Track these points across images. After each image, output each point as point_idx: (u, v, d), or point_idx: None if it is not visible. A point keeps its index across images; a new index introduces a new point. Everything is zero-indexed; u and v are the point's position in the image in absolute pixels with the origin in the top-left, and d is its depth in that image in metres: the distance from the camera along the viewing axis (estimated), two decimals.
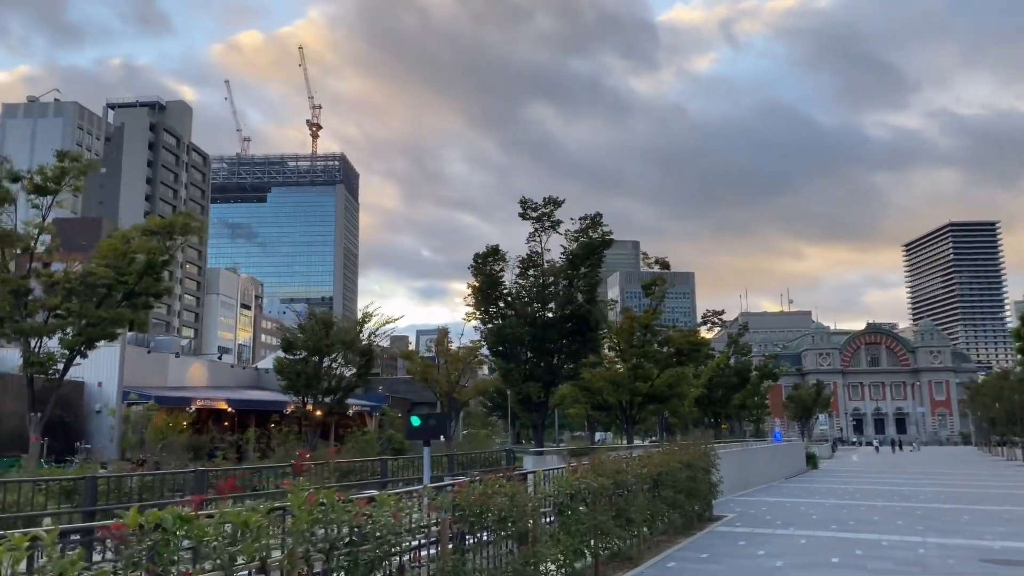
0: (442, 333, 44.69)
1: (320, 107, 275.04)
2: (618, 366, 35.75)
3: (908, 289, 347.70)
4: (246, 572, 5.03)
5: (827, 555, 12.54)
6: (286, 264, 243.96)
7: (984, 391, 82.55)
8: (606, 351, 37.33)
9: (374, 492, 6.68)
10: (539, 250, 31.17)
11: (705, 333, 51.10)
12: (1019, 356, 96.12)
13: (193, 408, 35.02)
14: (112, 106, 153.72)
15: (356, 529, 5.79)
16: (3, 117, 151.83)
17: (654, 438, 58.33)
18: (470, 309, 31.30)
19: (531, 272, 31.26)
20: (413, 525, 6.72)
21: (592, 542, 10.82)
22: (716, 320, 46.51)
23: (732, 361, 54.52)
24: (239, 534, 4.77)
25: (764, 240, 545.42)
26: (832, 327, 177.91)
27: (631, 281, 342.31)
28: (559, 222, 31.01)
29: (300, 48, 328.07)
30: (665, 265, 35.28)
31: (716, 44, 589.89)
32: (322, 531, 5.54)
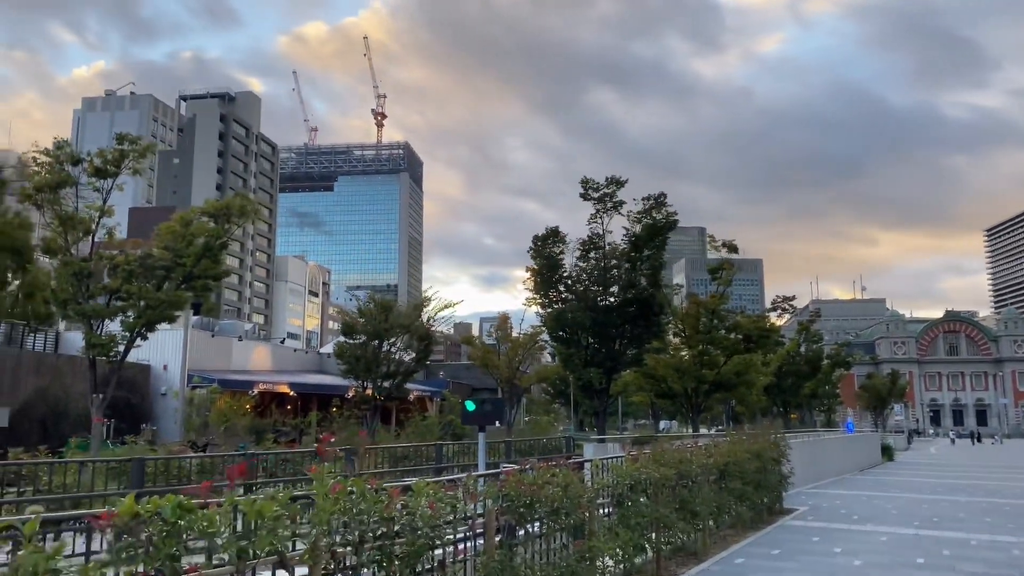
0: (502, 319, 44.32)
1: (385, 96, 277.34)
2: (683, 353, 34.72)
3: (989, 276, 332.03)
4: (268, 568, 4.59)
5: (911, 555, 11.58)
6: (352, 252, 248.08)
7: None
8: (671, 337, 36.31)
9: (412, 480, 6.16)
10: (600, 232, 30.24)
11: (775, 320, 49.50)
12: None
13: (255, 391, 35.45)
14: (184, 98, 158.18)
15: (389, 521, 5.30)
16: (83, 111, 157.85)
17: (720, 427, 56.92)
18: (530, 294, 30.70)
19: (592, 255, 30.35)
20: (454, 516, 6.19)
21: (653, 536, 10.17)
22: (786, 306, 44.77)
23: (803, 349, 52.60)
24: (253, 525, 4.31)
25: (835, 226, 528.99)
26: (908, 315, 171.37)
27: (697, 268, 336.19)
28: (621, 203, 29.95)
29: (365, 38, 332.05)
30: (733, 248, 33.98)
31: (783, 24, 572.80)
32: (350, 522, 5.06)
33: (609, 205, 29.70)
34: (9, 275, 35.60)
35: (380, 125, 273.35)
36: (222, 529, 4.02)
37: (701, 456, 12.10)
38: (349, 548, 5.02)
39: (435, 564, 5.98)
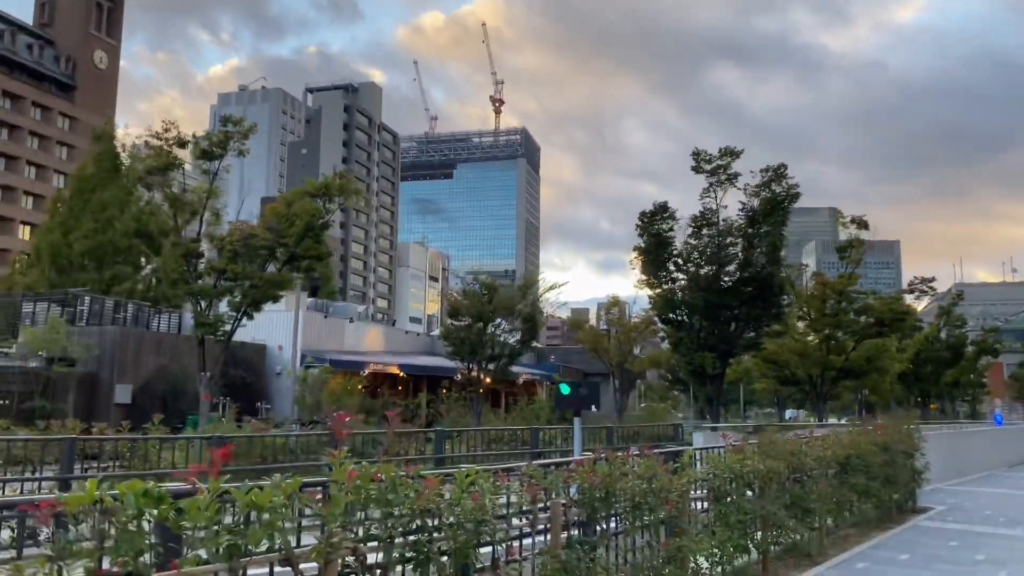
0: (612, 301, 43.05)
1: (503, 82, 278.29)
2: (809, 337, 32.48)
3: None
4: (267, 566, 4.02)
5: None
6: (471, 237, 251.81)
7: None
8: (795, 320, 33.99)
9: (467, 466, 5.49)
10: (714, 207, 28.31)
11: (913, 303, 45.94)
12: None
13: (367, 372, 35.97)
14: (310, 90, 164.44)
15: (425, 513, 4.64)
16: (219, 106, 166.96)
17: (851, 417, 53.59)
18: (640, 275, 29.19)
19: (704, 232, 28.49)
20: (508, 510, 5.47)
21: (759, 535, 9.12)
22: (925, 288, 41.26)
23: (943, 334, 48.38)
24: (250, 517, 3.74)
25: (980, 204, 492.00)
26: None
27: (828, 250, 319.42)
28: (736, 175, 27.99)
29: (483, 24, 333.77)
30: (863, 225, 31.32)
31: None
32: (374, 514, 4.43)
33: (723, 178, 27.80)
34: (143, 260, 37.68)
35: (498, 112, 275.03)
36: (202, 523, 3.45)
37: (818, 448, 10.83)
38: (373, 544, 4.39)
39: (487, 564, 5.29)
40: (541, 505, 5.85)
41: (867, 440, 12.96)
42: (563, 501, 6.03)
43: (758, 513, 8.86)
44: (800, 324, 33.85)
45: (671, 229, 28.29)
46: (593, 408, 13.90)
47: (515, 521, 5.76)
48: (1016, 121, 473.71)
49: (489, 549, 5.27)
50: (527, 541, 5.90)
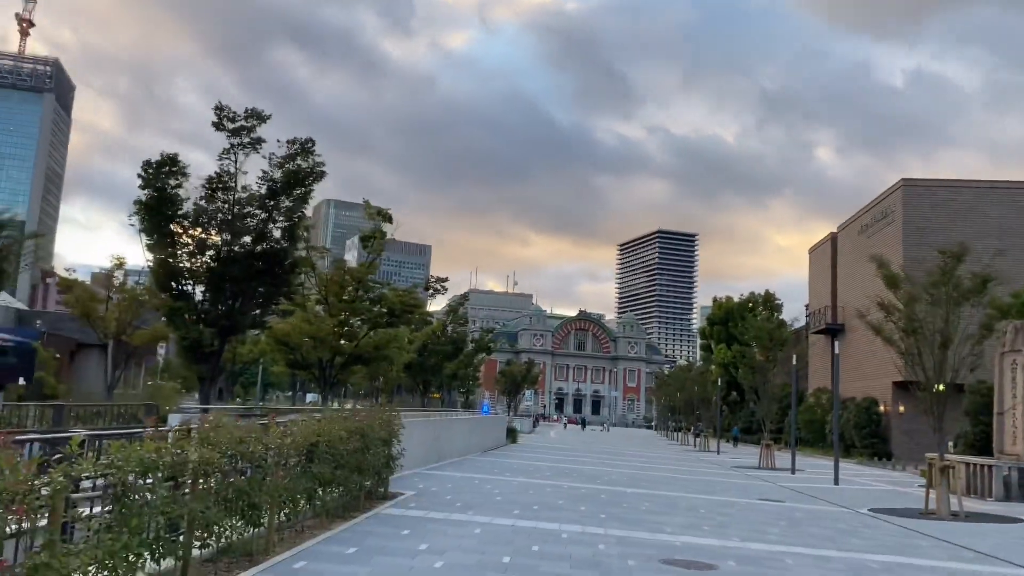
0: (117, 262, 37.87)
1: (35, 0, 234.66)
2: (325, 321, 32.24)
3: (617, 285, 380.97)
4: None
5: (499, 552, 10.43)
6: None
7: (669, 381, 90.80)
8: (315, 304, 33.57)
9: None
10: (233, 170, 26.13)
11: (433, 304, 49.39)
12: (701, 352, 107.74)
13: None
14: None
15: None
16: None
17: (360, 402, 55.60)
18: (144, 236, 25.32)
19: (220, 195, 26.11)
20: None
21: (181, 538, 7.60)
22: (439, 287, 44.64)
23: (449, 330, 53.31)
24: None
25: (497, 223, 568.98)
26: (549, 311, 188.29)
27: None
28: (261, 140, 26.24)
29: None
30: (387, 217, 32.32)
31: (471, 23, 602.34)
32: None
33: (246, 140, 25.87)
34: None
35: (25, 33, 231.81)
36: None
37: (278, 435, 9.74)
38: None
39: None
40: None
41: (341, 427, 12.41)
42: None
43: (179, 511, 7.34)
44: (319, 308, 33.65)
45: (179, 186, 25.25)
46: (22, 380, 10.96)
47: None
48: (530, 156, 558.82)
49: None
50: None
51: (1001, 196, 48.63)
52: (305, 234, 28.50)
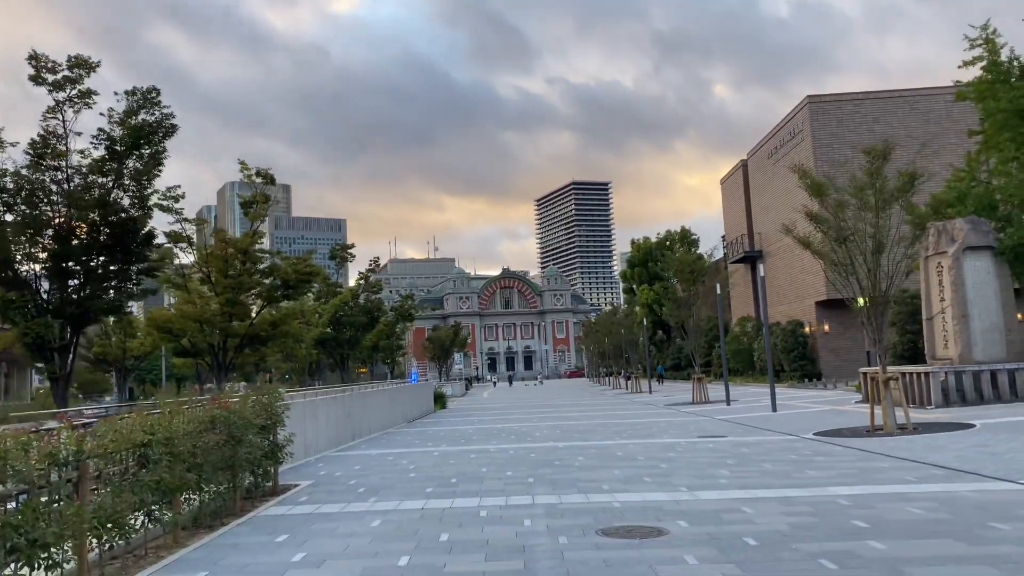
0: None
1: None
2: (211, 301, 29.08)
3: (538, 240, 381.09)
4: None
5: (397, 551, 8.27)
6: None
7: (596, 328, 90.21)
8: (197, 284, 30.26)
9: None
10: (62, 132, 22.45)
11: (351, 277, 46.17)
12: (624, 296, 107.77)
13: None
14: None
15: None
16: None
17: (251, 385, 52.51)
18: None
19: (49, 162, 22.46)
20: None
21: None
22: (345, 254, 41.72)
23: (362, 299, 50.33)
24: None
25: (409, 191, 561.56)
26: (472, 273, 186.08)
27: (280, 226, 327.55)
28: (92, 93, 22.59)
29: None
30: (269, 179, 29.16)
31: None
32: None
33: (73, 94, 22.24)
34: None
35: None
36: None
37: (78, 442, 7.23)
38: None
39: None
40: None
41: (192, 419, 9.97)
42: None
43: None
44: (204, 287, 30.41)
45: None
46: None
47: None
48: (436, 120, 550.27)
49: None
50: None
51: (901, 104, 48.57)
52: (174, 204, 25.24)
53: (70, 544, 6.97)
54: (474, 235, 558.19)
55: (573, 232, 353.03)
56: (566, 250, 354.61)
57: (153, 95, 23.07)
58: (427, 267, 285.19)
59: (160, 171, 23.50)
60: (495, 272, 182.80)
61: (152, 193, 24.06)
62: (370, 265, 48.09)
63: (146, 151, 22.94)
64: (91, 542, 7.38)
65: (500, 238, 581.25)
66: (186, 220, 27.23)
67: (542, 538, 8.49)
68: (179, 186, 25.76)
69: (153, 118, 22.99)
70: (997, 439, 15.36)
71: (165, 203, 25.56)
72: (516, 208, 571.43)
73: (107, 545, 7.69)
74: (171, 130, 23.48)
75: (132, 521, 8.10)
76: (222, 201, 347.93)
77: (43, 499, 6.53)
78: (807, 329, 51.08)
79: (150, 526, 8.74)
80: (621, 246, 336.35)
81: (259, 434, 12.44)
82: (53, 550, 6.52)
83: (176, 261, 27.15)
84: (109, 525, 7.53)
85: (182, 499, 9.55)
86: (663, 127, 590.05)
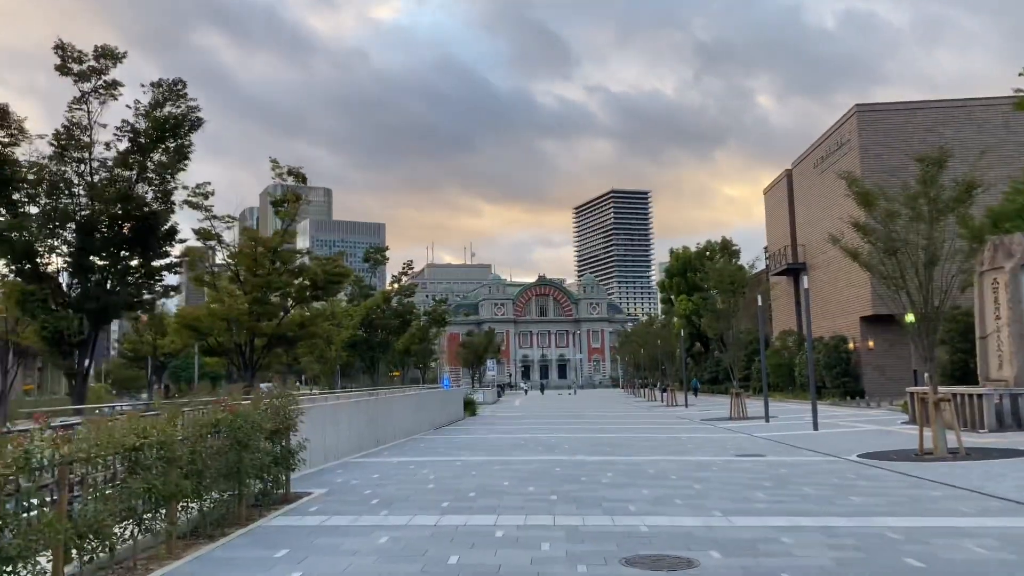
0: None
1: None
2: (240, 300, 28.77)
3: (575, 248, 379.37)
4: None
5: (402, 572, 7.61)
6: None
7: (632, 338, 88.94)
8: (227, 282, 30.03)
9: None
10: (87, 123, 22.26)
11: (390, 284, 45.91)
12: (662, 306, 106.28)
13: None
14: None
15: None
16: None
17: (312, 387, 52.27)
18: None
19: (75, 155, 22.29)
20: None
21: None
22: (379, 256, 41.37)
23: (394, 302, 49.90)
24: None
25: (447, 197, 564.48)
26: (508, 279, 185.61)
27: (322, 229, 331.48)
28: (117, 84, 22.39)
29: None
30: (301, 177, 28.89)
31: None
32: None
33: (99, 85, 22.07)
34: None
35: None
36: None
37: (49, 443, 6.70)
38: None
39: None
40: None
41: (195, 423, 9.45)
42: None
43: None
44: (233, 286, 30.14)
45: (13, 143, 21.29)
46: None
47: None
48: (472, 126, 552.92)
49: None
50: None
51: (956, 114, 46.83)
52: (204, 201, 24.97)
53: (45, 556, 6.44)
54: (510, 242, 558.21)
55: (611, 241, 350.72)
56: (604, 259, 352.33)
57: (179, 87, 22.85)
58: (463, 272, 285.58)
59: (186, 165, 23.33)
60: (531, 279, 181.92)
61: (175, 188, 23.88)
62: (403, 268, 47.83)
63: (171, 144, 22.72)
64: (70, 553, 6.85)
65: (536, 245, 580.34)
66: (215, 218, 27.18)
67: (559, 566, 7.76)
68: (209, 183, 25.73)
69: (179, 110, 22.75)
70: None
71: (195, 199, 25.37)
72: (553, 215, 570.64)
73: (87, 557, 7.14)
74: (197, 123, 23.25)
75: (118, 531, 7.55)
76: (264, 204, 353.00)
77: (9, 507, 5.98)
78: (851, 345, 49.44)
79: (141, 536, 8.20)
80: (659, 256, 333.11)
81: (271, 439, 11.93)
82: (21, 565, 5.97)
83: (207, 261, 26.85)
84: (90, 536, 6.99)
85: (180, 507, 9.02)
86: (703, 137, 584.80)
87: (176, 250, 25.17)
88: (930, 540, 8.59)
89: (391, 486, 14.03)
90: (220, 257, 28.61)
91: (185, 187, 24.66)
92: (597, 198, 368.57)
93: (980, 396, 23.24)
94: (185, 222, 23.95)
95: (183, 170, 23.33)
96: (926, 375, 39.30)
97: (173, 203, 23.73)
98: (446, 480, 14.75)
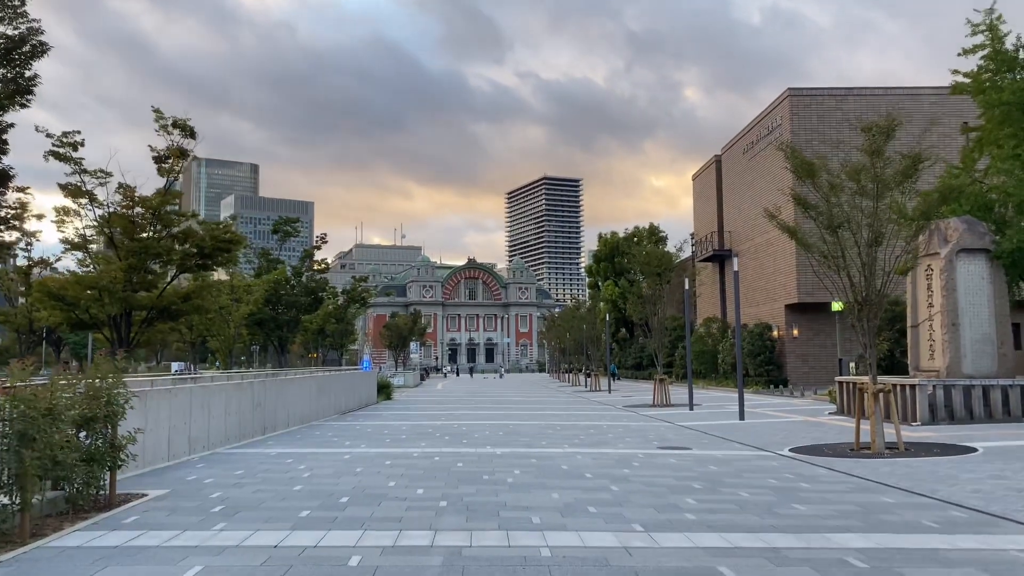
0: None
1: None
2: (113, 267, 25.41)
3: (507, 234, 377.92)
4: None
5: None
6: None
7: (559, 323, 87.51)
8: (101, 246, 26.72)
9: None
10: None
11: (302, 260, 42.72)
12: (589, 291, 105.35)
13: None
14: None
15: None
16: None
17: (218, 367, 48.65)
18: None
19: None
20: None
21: None
22: (289, 228, 38.32)
23: (304, 278, 46.57)
24: None
25: (377, 177, 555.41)
26: (438, 262, 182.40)
27: (247, 205, 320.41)
28: None
29: None
30: (189, 132, 25.62)
31: None
32: None
33: None
34: None
35: None
36: None
37: None
38: None
39: None
40: None
41: None
42: None
43: None
44: (110, 252, 26.78)
45: None
46: None
47: None
48: (404, 106, 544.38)
49: None
50: None
51: (888, 101, 46.38)
52: (72, 152, 21.63)
53: None
54: (442, 225, 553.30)
55: (543, 227, 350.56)
56: (535, 244, 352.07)
57: (16, 3, 19.33)
58: (393, 254, 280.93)
59: (29, 100, 19.83)
60: (461, 262, 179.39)
61: (8, 126, 20.35)
62: (316, 242, 44.37)
63: (6, 72, 19.25)
64: None
65: (468, 229, 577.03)
66: (85, 171, 23.58)
67: None
68: (78, 131, 22.23)
69: (14, 32, 19.21)
70: (1011, 468, 12.83)
71: (61, 150, 22.02)
72: (485, 200, 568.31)
73: None
74: (40, 50, 19.77)
75: None
76: (188, 178, 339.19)
77: None
78: (775, 333, 48.85)
79: None
80: (589, 243, 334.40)
81: (85, 428, 9.42)
82: None
83: (74, 221, 23.47)
84: None
85: None
86: (633, 127, 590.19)
87: (11, 197, 21.81)
88: (903, 569, 6.75)
89: (249, 487, 11.61)
90: (92, 217, 25.24)
91: (49, 135, 21.34)
92: (529, 184, 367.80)
93: (913, 387, 22.12)
94: (52, 177, 20.70)
95: (25, 105, 19.89)
96: (851, 364, 38.44)
97: (5, 143, 20.23)
98: (321, 479, 12.41)
